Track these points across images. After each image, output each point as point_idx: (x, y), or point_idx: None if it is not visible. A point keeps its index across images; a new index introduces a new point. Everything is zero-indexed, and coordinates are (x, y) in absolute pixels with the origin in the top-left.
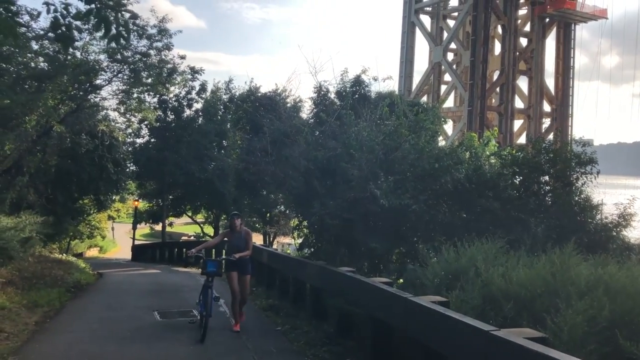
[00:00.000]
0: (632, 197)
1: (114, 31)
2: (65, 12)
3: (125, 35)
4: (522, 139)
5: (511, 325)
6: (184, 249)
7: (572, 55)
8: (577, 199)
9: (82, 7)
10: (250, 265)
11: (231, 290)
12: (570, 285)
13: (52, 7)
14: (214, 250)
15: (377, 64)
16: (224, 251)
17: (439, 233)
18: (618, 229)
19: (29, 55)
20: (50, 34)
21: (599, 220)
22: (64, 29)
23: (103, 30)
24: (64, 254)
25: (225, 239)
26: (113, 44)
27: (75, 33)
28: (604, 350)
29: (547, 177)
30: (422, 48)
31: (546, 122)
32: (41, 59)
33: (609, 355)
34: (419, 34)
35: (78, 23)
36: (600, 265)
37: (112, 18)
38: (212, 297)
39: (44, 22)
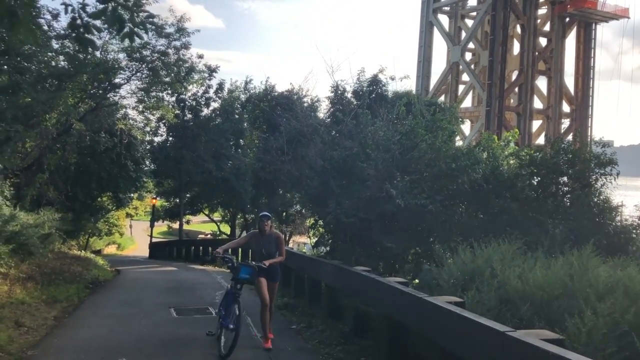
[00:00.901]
0: None
1: (127, 29)
2: (82, 12)
3: (139, 33)
4: (540, 140)
5: (527, 327)
6: (201, 247)
7: (592, 55)
8: (596, 200)
9: (100, 6)
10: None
11: (261, 298)
12: (588, 288)
13: (69, 7)
14: (230, 250)
15: (395, 63)
16: (250, 253)
17: (455, 233)
18: (638, 231)
19: (50, 54)
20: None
21: (619, 222)
22: (82, 30)
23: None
24: (83, 251)
25: (252, 241)
26: (134, 43)
27: (95, 32)
28: (623, 354)
29: (565, 178)
30: (440, 47)
31: (565, 123)
32: (62, 57)
33: (628, 359)
34: (436, 34)
35: (97, 23)
36: (619, 267)
37: (127, 17)
38: (241, 308)
39: (64, 21)
